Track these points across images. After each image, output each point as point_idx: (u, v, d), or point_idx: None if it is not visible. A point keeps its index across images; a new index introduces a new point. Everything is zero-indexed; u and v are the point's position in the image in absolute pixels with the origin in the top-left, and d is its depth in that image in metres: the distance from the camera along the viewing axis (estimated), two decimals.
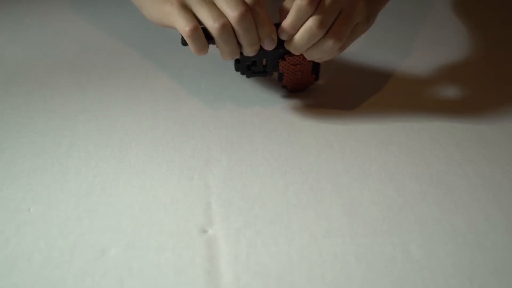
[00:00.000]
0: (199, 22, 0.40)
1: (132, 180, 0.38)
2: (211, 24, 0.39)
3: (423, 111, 0.46)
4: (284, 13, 0.41)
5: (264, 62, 0.45)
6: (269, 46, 0.41)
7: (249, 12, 0.39)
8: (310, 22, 0.39)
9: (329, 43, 0.40)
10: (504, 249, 0.33)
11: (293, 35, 0.41)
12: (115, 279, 0.31)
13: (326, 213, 0.35)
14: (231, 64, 0.47)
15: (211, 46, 0.41)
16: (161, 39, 0.59)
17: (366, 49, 0.58)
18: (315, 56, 0.42)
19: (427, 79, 0.52)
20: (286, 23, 0.40)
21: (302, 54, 0.42)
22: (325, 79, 0.51)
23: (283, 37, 0.41)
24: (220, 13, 0.39)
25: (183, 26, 0.39)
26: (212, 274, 0.31)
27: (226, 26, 0.39)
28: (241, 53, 0.42)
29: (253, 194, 0.37)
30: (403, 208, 0.36)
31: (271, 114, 0.46)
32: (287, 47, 0.42)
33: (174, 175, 0.39)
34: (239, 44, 0.41)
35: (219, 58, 0.43)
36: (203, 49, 0.41)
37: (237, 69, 0.45)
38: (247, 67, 0.45)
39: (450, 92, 0.50)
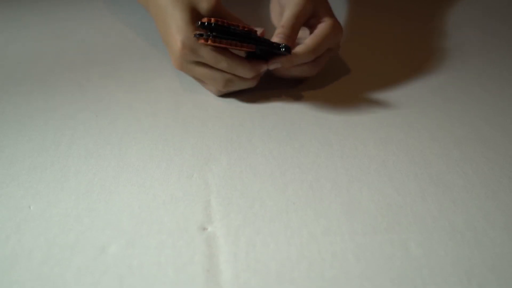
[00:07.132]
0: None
1: (132, 178, 0.39)
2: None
3: (422, 110, 0.47)
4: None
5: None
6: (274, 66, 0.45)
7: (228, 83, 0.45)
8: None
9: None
10: (503, 247, 0.33)
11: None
12: (115, 276, 0.31)
13: (325, 211, 0.36)
14: None
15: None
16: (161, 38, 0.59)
17: (365, 50, 0.58)
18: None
19: (425, 78, 0.52)
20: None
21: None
22: (325, 78, 0.51)
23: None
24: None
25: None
26: (212, 271, 0.31)
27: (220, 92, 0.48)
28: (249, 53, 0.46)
29: (253, 193, 0.37)
30: (402, 207, 0.36)
31: (270, 112, 0.46)
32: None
33: (174, 173, 0.39)
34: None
35: None
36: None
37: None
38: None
39: (449, 90, 0.50)
